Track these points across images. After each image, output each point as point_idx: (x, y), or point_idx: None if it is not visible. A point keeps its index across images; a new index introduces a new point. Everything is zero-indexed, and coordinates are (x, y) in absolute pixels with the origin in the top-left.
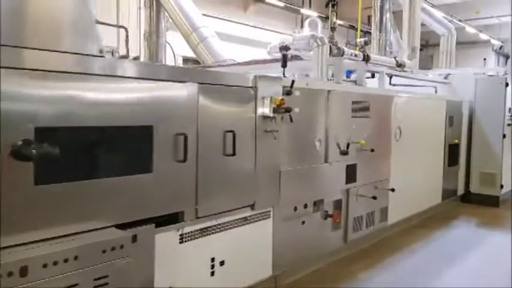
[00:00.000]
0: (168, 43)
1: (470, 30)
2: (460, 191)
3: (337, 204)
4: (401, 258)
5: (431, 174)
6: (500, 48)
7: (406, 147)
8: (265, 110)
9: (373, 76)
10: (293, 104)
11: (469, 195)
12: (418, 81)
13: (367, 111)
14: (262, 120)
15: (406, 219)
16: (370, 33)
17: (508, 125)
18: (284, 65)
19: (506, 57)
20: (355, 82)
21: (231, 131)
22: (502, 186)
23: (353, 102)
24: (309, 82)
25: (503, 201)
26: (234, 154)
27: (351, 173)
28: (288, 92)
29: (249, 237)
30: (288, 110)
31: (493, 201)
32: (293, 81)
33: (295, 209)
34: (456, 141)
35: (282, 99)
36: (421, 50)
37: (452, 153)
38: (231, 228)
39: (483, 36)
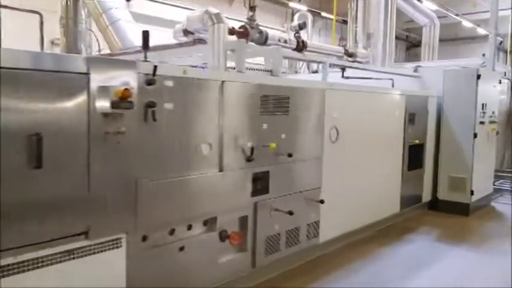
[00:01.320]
0: (91, 31)
1: (466, 24)
2: (427, 197)
3: (243, 221)
4: (328, 282)
5: (385, 180)
6: (500, 43)
7: (346, 150)
8: (102, 104)
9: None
10: (163, 97)
11: (437, 203)
12: (385, 74)
13: (285, 108)
14: (102, 119)
15: (350, 234)
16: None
17: (481, 122)
18: (145, 47)
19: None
20: (270, 72)
21: (36, 134)
22: (472, 193)
23: (263, 97)
24: (188, 70)
25: (475, 210)
26: (39, 166)
27: (260, 183)
28: (149, 82)
29: (84, 275)
30: (150, 105)
31: (462, 210)
32: (155, 67)
33: (172, 232)
34: (417, 141)
35: (126, 89)
36: (417, 46)
37: (413, 155)
38: (49, 265)
39: (481, 31)
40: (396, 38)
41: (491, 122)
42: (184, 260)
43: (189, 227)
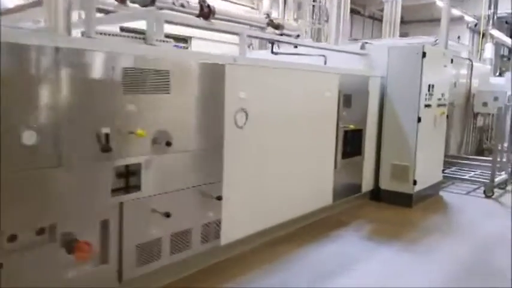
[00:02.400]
0: None
1: (440, 4)
2: (368, 187)
3: (104, 227)
4: None
5: (313, 170)
6: (475, 25)
7: (260, 137)
8: None
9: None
10: None
11: (379, 193)
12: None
13: (164, 85)
14: None
15: (266, 232)
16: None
17: (427, 105)
18: None
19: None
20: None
21: None
22: (415, 182)
23: (128, 70)
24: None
25: (420, 200)
26: None
27: (128, 179)
28: None
29: None
30: None
31: (405, 201)
32: None
33: None
34: (352, 126)
35: None
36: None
37: (350, 141)
38: None
39: (455, 12)
40: (373, 18)
41: (440, 105)
42: (6, 280)
43: (12, 238)
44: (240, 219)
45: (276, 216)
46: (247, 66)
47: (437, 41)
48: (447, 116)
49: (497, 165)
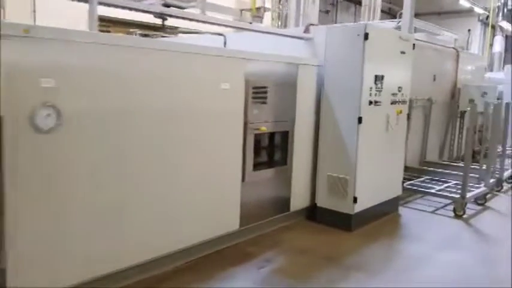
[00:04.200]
0: None
1: None
2: (302, 203)
3: None
4: None
5: (205, 186)
6: (487, 18)
7: (85, 146)
8: None
9: None
10: None
11: (316, 211)
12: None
13: None
14: None
15: (122, 272)
16: None
17: (372, 102)
18: None
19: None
20: None
21: None
22: (355, 200)
23: None
24: None
25: (365, 221)
26: None
27: None
28: None
29: None
30: None
31: (344, 222)
32: None
33: None
34: (264, 128)
35: None
36: (387, 13)
37: (268, 147)
38: None
39: (465, 4)
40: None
41: (397, 103)
42: None
43: None
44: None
45: (143, 251)
46: (55, 42)
47: (399, 24)
48: (408, 115)
49: (476, 175)
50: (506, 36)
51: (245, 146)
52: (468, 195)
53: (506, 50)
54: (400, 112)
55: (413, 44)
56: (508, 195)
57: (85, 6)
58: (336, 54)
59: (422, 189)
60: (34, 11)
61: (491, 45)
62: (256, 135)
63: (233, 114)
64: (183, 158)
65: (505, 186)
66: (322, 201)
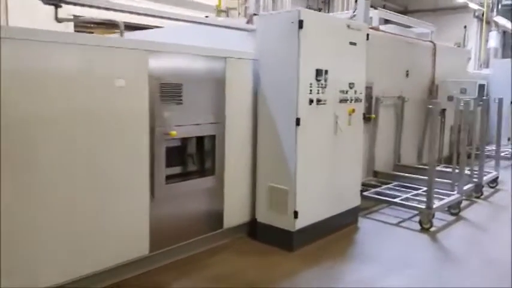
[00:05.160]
0: None
1: None
2: (239, 218)
3: None
4: None
5: (99, 204)
6: (483, 14)
7: None
8: None
9: None
10: None
11: (256, 227)
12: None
13: None
14: None
15: None
16: None
17: (314, 101)
18: None
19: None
20: None
21: None
22: (296, 215)
23: None
24: None
25: (310, 239)
26: None
27: None
28: None
29: None
30: None
31: (285, 240)
32: None
33: None
34: (174, 133)
35: None
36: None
37: (187, 155)
38: None
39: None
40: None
41: (347, 101)
42: None
43: None
44: None
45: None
46: None
47: (355, 13)
48: (365, 115)
49: (449, 180)
50: (504, 32)
51: (153, 155)
52: (437, 204)
53: (504, 45)
54: (353, 111)
55: (367, 34)
56: (488, 201)
57: None
58: (271, 46)
59: (386, 198)
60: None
61: (487, 41)
62: (169, 142)
63: (134, 117)
64: (78, 171)
65: (487, 191)
66: (263, 216)
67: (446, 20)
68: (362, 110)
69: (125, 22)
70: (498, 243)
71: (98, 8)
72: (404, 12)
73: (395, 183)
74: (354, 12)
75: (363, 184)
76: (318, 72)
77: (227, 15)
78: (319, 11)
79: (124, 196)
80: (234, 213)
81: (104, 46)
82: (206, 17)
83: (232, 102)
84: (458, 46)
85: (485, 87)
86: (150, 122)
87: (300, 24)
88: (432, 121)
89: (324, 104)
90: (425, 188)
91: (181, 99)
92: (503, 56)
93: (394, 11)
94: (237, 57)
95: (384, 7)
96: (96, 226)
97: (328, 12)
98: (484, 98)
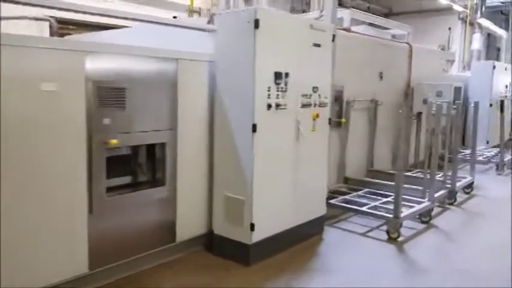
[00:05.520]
0: None
1: None
2: (195, 230)
3: None
4: None
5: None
6: (467, 16)
7: None
8: None
9: None
10: None
11: (213, 239)
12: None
13: None
14: None
15: None
16: None
17: (272, 106)
18: None
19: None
20: None
21: None
22: (252, 227)
23: None
24: None
25: (269, 252)
26: None
27: None
28: None
29: None
30: None
31: (242, 254)
32: None
33: None
34: (115, 141)
35: None
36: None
37: (131, 165)
38: None
39: (443, 1)
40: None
41: (310, 105)
42: None
43: None
44: None
45: None
46: None
47: (322, 13)
48: (330, 120)
49: (420, 187)
50: (489, 35)
51: (91, 165)
52: (405, 212)
53: (488, 47)
54: (317, 116)
55: (334, 35)
56: (461, 208)
57: None
58: (228, 47)
59: (353, 206)
60: None
61: (470, 43)
62: (111, 151)
63: (69, 124)
64: (9, 186)
65: (461, 197)
66: (219, 228)
67: (431, 22)
68: (328, 114)
69: (95, 22)
70: (466, 252)
71: (36, 6)
72: (389, 14)
73: (366, 190)
74: (321, 12)
75: (333, 191)
76: (277, 75)
77: (199, 15)
78: (303, 13)
79: (61, 212)
80: (189, 225)
81: (31, 47)
82: (174, 17)
83: (186, 107)
84: (443, 48)
85: (462, 89)
86: (87, 129)
87: (256, 23)
88: (403, 125)
89: (284, 108)
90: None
91: (124, 104)
92: (488, 58)
93: (379, 13)
94: (190, 58)
95: (368, 9)
96: (30, 244)
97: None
98: (458, 101)
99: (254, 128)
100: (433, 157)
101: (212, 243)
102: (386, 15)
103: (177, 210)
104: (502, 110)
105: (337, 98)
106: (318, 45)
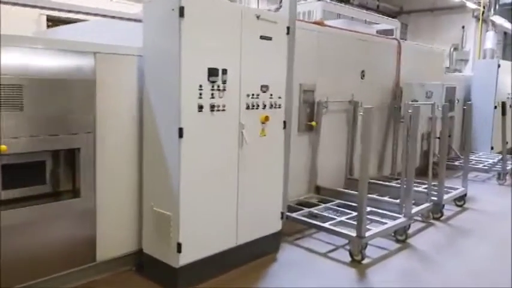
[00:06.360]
0: None
1: None
2: (126, 248)
3: None
4: None
5: None
6: (482, 14)
7: None
8: None
9: None
10: None
11: (142, 259)
12: None
13: None
14: None
15: None
16: None
17: (204, 107)
18: None
19: None
20: None
21: None
22: (179, 248)
23: None
24: None
25: (206, 275)
26: None
27: None
28: None
29: None
30: None
31: (170, 278)
32: None
33: None
34: (4, 148)
35: None
36: (393, 17)
37: (35, 175)
38: None
39: None
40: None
41: (258, 107)
42: None
43: None
44: None
45: None
46: None
47: (281, 4)
48: (284, 124)
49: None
50: (505, 33)
51: None
52: (373, 231)
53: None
54: (267, 119)
55: (288, 28)
56: (448, 224)
57: None
58: (153, 39)
59: (314, 222)
60: None
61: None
62: (7, 158)
63: None
64: None
65: (451, 210)
66: (149, 247)
67: (444, 20)
68: (282, 117)
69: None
70: (441, 279)
71: None
72: (400, 12)
73: (339, 201)
74: (280, 3)
75: (300, 203)
76: (212, 72)
77: None
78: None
79: None
80: (113, 242)
81: None
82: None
83: (107, 107)
84: (456, 48)
85: (456, 90)
86: None
87: (181, 11)
88: (353, 129)
89: (222, 110)
90: (372, 209)
91: (21, 104)
92: (504, 58)
93: (389, 12)
94: (112, 52)
95: (378, 7)
96: None
97: None
98: (445, 103)
99: (180, 133)
100: (409, 165)
101: (142, 264)
102: (396, 14)
103: (97, 225)
104: (503, 113)
105: (307, 99)
106: (268, 39)
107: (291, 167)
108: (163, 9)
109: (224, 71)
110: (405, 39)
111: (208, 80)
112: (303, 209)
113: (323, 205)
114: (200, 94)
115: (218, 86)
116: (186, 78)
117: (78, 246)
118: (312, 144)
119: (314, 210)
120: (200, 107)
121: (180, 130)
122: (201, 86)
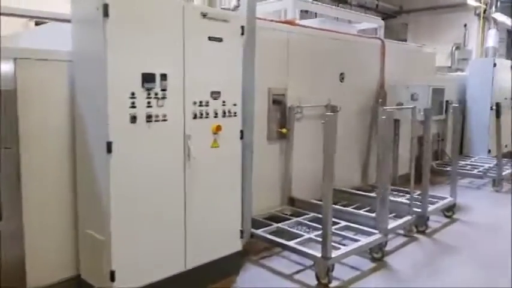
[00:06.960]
0: None
1: None
2: (61, 273)
3: None
4: None
5: None
6: (485, 12)
7: None
8: None
9: None
10: None
11: (81, 286)
12: None
13: None
14: None
15: None
16: None
17: (138, 118)
18: None
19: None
20: None
21: None
22: (112, 276)
23: None
24: None
25: None
26: None
27: None
28: None
29: None
30: None
31: None
32: None
33: None
34: None
35: None
36: (393, 17)
37: None
38: None
39: None
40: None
41: (207, 116)
42: None
43: None
44: None
45: None
46: None
47: (239, 2)
48: (241, 133)
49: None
50: (508, 31)
51: None
52: (342, 251)
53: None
54: (219, 129)
55: (242, 27)
56: (432, 239)
57: None
58: (80, 42)
59: (277, 240)
60: None
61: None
62: None
63: None
64: None
65: (439, 222)
66: (86, 273)
67: (446, 19)
68: (239, 126)
69: None
70: None
71: None
72: (400, 12)
73: (313, 214)
74: (238, 1)
75: (271, 216)
76: (147, 78)
77: None
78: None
79: None
80: (46, 268)
81: None
82: None
83: (33, 120)
84: (458, 47)
85: (444, 91)
86: None
87: (105, 10)
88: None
89: (163, 121)
90: (347, 223)
91: None
92: (508, 57)
93: (388, 11)
94: (36, 57)
95: (377, 7)
96: None
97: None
98: (426, 108)
99: (109, 148)
100: (383, 175)
101: None
102: (396, 13)
103: (26, 249)
104: (498, 115)
105: (279, 103)
106: (218, 40)
107: (262, 178)
108: (89, 8)
109: (163, 77)
110: (405, 40)
111: (143, 86)
112: (271, 224)
113: (295, 219)
114: (133, 103)
115: (156, 94)
116: (114, 85)
117: (4, 272)
118: (284, 153)
119: (283, 225)
120: (133, 118)
121: (109, 144)
122: (133, 93)
